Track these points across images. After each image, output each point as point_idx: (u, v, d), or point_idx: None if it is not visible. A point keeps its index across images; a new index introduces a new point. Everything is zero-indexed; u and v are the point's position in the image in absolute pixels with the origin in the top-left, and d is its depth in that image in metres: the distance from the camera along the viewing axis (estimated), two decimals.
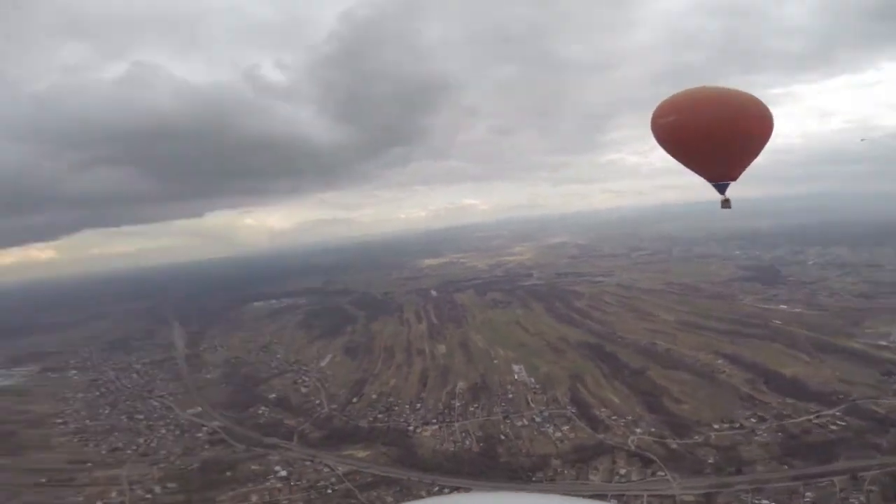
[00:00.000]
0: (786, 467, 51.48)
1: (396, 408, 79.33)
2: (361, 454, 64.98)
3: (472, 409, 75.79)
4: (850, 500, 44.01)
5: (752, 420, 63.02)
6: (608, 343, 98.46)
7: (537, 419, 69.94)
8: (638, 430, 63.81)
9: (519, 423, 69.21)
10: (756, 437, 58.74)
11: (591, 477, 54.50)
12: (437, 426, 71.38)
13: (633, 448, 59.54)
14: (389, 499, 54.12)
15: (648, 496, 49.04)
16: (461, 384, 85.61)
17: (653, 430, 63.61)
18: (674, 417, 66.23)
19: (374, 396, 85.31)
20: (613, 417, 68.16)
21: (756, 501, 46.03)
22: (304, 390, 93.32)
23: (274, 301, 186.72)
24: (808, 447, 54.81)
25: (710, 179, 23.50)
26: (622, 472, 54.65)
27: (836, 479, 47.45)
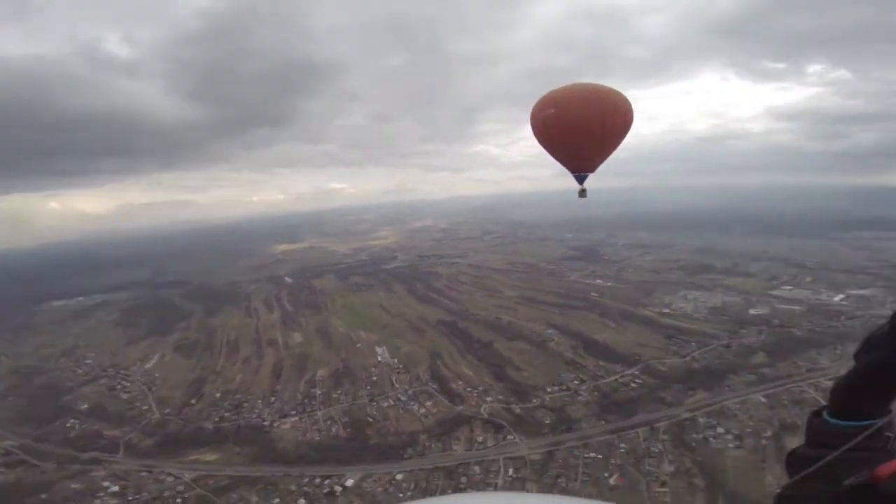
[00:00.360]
0: (603, 423, 61.44)
1: (246, 404, 73.47)
2: (210, 457, 59.17)
3: (335, 395, 74.35)
4: (652, 448, 54.54)
5: (576, 382, 73.19)
6: (461, 320, 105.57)
7: (402, 398, 72.10)
8: (489, 399, 69.94)
9: (385, 404, 70.53)
10: (579, 398, 68.76)
11: (455, 447, 58.66)
12: (297, 417, 68.43)
13: (486, 416, 65.33)
14: (254, 498, 50.81)
15: (503, 459, 54.96)
16: (321, 371, 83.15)
17: (500, 397, 70.35)
18: (516, 385, 73.88)
19: (217, 395, 77.44)
20: (468, 389, 73.51)
21: (585, 455, 54.57)
22: (124, 396, 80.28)
23: (82, 298, 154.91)
24: (618, 404, 65.95)
25: (573, 170, 26.15)
26: (480, 439, 59.88)
27: (639, 430, 58.38)
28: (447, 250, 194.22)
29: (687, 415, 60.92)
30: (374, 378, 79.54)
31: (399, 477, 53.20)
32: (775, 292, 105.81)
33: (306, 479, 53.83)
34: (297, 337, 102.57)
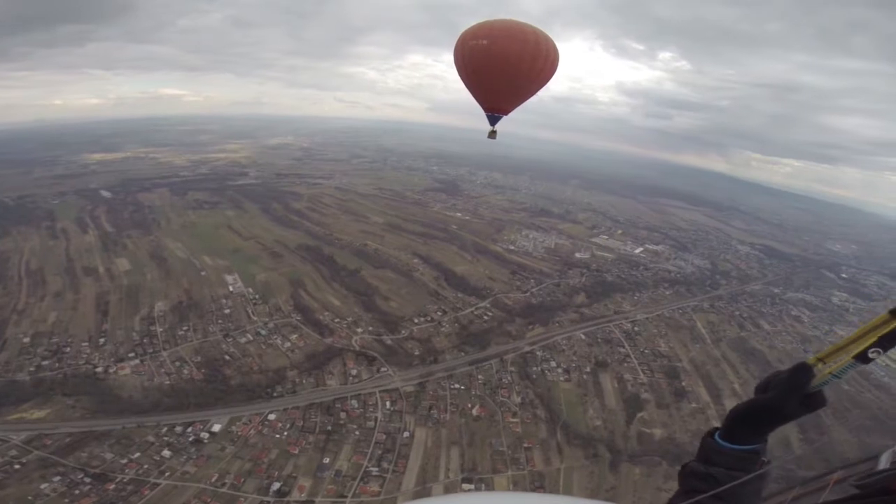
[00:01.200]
0: (463, 354, 68.96)
1: (68, 349, 61.47)
2: (38, 414, 49.68)
3: (181, 332, 66.69)
4: (503, 379, 63.99)
5: (439, 313, 79.21)
6: (326, 245, 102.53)
7: (262, 332, 68.61)
8: (359, 331, 71.34)
9: (243, 340, 66.50)
10: (442, 329, 75.09)
11: (329, 382, 59.91)
12: (137, 360, 60.23)
13: (358, 348, 67.06)
14: (108, 454, 45.10)
15: (379, 392, 58.56)
16: (160, 305, 72.84)
17: (370, 328, 72.42)
18: (385, 315, 76.48)
19: (25, 340, 62.56)
20: (336, 320, 73.57)
21: (451, 386, 61.45)
22: None
23: None
24: (474, 335, 73.82)
25: (488, 109, 26.09)
26: (353, 372, 62.06)
27: (492, 361, 67.40)
28: (309, 170, 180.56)
29: (528, 348, 72.46)
30: (227, 311, 73.27)
31: (272, 417, 52.69)
32: (595, 240, 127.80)
33: (165, 429, 49.79)
34: (124, 264, 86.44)
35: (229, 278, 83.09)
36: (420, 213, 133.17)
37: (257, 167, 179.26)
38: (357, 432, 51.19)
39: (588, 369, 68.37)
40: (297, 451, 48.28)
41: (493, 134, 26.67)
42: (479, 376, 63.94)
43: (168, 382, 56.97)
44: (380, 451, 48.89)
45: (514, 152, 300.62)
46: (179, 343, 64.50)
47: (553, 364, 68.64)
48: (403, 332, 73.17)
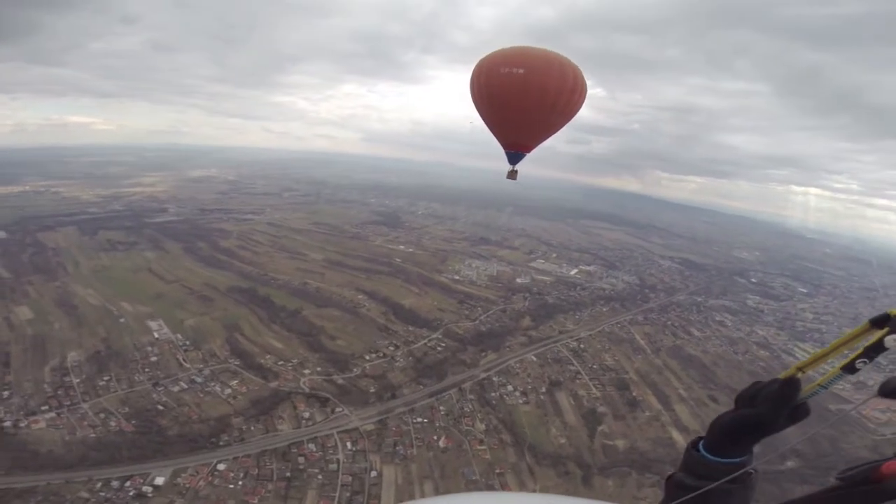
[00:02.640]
0: (421, 387, 67.67)
1: None
2: None
3: (101, 383, 59.59)
4: (465, 408, 63.34)
5: (391, 348, 77.66)
6: (261, 286, 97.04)
7: (198, 379, 63.15)
8: (306, 372, 67.92)
9: (176, 388, 60.56)
10: (396, 363, 73.50)
11: (280, 427, 55.72)
12: (53, 413, 53.09)
13: (307, 390, 63.67)
14: None
15: (338, 433, 55.34)
16: (74, 355, 64.66)
17: (319, 369, 69.04)
18: (333, 354, 73.46)
19: None
20: (280, 363, 69.66)
21: (413, 420, 59.66)
22: None
23: None
24: (430, 367, 73.06)
25: (511, 146, 23.87)
26: (306, 415, 58.38)
27: (451, 392, 66.68)
28: (237, 205, 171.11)
29: (483, 375, 72.69)
30: (154, 359, 66.75)
31: (221, 467, 48.05)
32: (533, 264, 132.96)
33: (99, 483, 44.14)
34: (25, 312, 75.62)
35: (153, 325, 75.66)
36: (361, 247, 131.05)
37: (178, 202, 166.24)
38: (320, 476, 47.75)
39: (544, 390, 69.70)
40: (256, 501, 44.43)
41: (513, 174, 24.42)
42: (441, 407, 62.91)
43: (94, 435, 50.53)
44: (348, 494, 45.86)
45: (449, 182, 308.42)
46: (101, 394, 57.46)
47: (510, 388, 69.26)
48: (355, 370, 70.51)
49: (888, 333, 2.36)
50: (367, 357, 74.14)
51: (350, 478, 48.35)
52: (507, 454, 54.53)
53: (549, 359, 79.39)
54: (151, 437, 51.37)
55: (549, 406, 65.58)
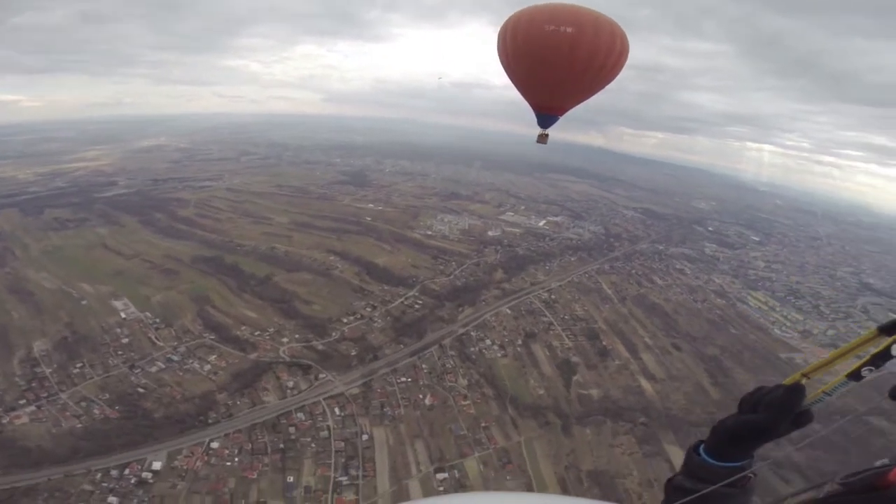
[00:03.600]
0: (402, 346, 68.92)
1: None
2: None
3: (75, 371, 57.52)
4: (446, 365, 65.38)
5: (368, 309, 77.77)
6: (227, 254, 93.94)
7: (175, 358, 62.10)
8: (285, 340, 67.67)
9: (154, 369, 59.41)
10: (375, 324, 73.91)
11: (266, 399, 56.25)
12: (33, 407, 51.29)
13: (288, 359, 63.72)
14: None
15: (324, 400, 56.43)
16: (40, 344, 61.55)
17: (297, 336, 68.79)
18: (310, 320, 72.91)
19: None
20: (257, 333, 68.92)
21: (397, 380, 61.34)
22: None
23: None
24: (409, 326, 74.01)
25: (543, 107, 22.74)
26: (290, 384, 58.93)
27: (432, 349, 68.44)
28: (193, 172, 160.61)
29: (462, 330, 75.00)
30: (125, 340, 64.57)
31: (215, 445, 48.50)
32: (503, 217, 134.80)
33: (99, 475, 43.91)
34: None
35: (118, 304, 72.71)
36: (328, 207, 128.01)
37: (127, 174, 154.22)
38: (313, 445, 49.19)
39: (520, 342, 72.96)
40: (255, 476, 45.38)
41: (544, 138, 23.71)
42: (423, 366, 64.93)
43: (80, 426, 49.67)
44: (343, 459, 47.64)
45: (417, 139, 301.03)
46: (77, 382, 55.76)
47: (488, 342, 72.07)
48: (334, 334, 70.88)
49: None
50: (345, 320, 74.26)
51: (343, 443, 50.04)
52: (490, 408, 57.60)
53: (523, 311, 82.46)
54: (139, 422, 50.87)
55: (526, 358, 69.02)
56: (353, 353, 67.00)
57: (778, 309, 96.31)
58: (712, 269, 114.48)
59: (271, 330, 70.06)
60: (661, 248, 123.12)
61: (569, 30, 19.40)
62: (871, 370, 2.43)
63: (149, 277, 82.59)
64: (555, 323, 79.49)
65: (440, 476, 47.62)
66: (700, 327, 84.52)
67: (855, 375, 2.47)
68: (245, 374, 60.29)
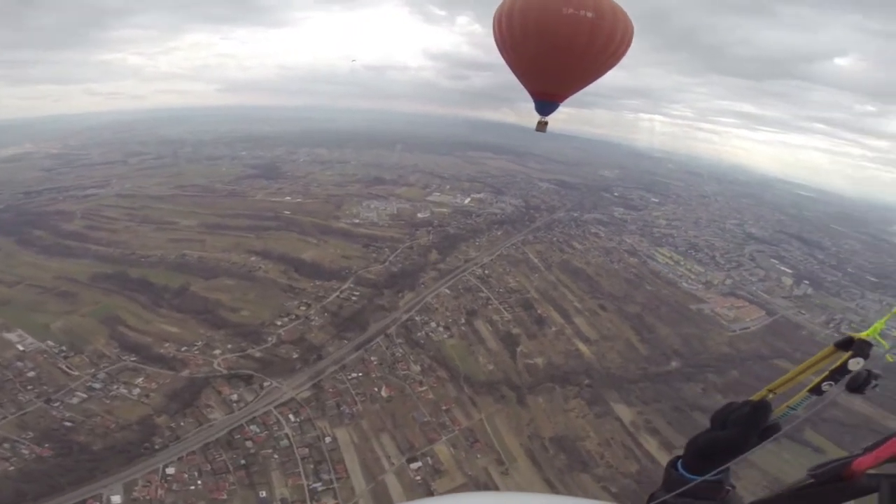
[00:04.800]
0: (346, 341, 68.10)
1: None
2: None
3: None
4: (396, 353, 66.03)
5: (303, 308, 75.30)
6: (131, 267, 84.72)
7: (95, 385, 56.58)
8: (217, 353, 64.21)
9: (75, 400, 53.87)
10: (313, 323, 71.88)
11: (212, 416, 53.48)
12: None
13: (225, 371, 60.78)
14: None
15: (275, 408, 54.85)
16: None
17: (229, 346, 65.38)
18: (240, 327, 69.57)
19: None
20: (184, 349, 64.51)
21: (348, 377, 60.96)
22: None
23: None
24: (349, 319, 72.95)
25: (543, 94, 22.11)
26: (234, 398, 56.43)
27: (378, 339, 68.56)
28: (73, 181, 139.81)
29: (405, 316, 76.02)
30: (31, 374, 57.45)
31: (171, 471, 45.85)
32: (430, 198, 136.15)
33: None
34: None
35: (12, 337, 63.53)
36: (241, 205, 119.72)
37: None
38: (276, 456, 48.05)
39: (463, 320, 75.82)
40: (225, 496, 43.89)
41: (543, 126, 23.10)
42: (372, 358, 65.17)
43: (12, 468, 44.67)
44: (311, 466, 47.19)
45: (332, 125, 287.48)
46: None
47: (433, 325, 73.96)
48: (270, 339, 68.17)
49: (852, 356, 2.54)
50: (279, 323, 71.62)
51: (307, 449, 49.49)
52: (447, 390, 59.84)
53: (461, 289, 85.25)
54: (78, 457, 46.57)
55: (472, 336, 72.13)
56: (295, 355, 65.28)
57: (682, 263, 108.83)
58: (622, 230, 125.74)
59: (199, 343, 65.91)
60: (576, 215, 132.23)
61: (589, 14, 18.67)
62: (830, 385, 2.61)
63: (41, 303, 72.88)
64: (492, 297, 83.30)
65: (414, 466, 49.07)
66: (620, 287, 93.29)
67: (816, 390, 2.67)
68: (181, 393, 56.77)
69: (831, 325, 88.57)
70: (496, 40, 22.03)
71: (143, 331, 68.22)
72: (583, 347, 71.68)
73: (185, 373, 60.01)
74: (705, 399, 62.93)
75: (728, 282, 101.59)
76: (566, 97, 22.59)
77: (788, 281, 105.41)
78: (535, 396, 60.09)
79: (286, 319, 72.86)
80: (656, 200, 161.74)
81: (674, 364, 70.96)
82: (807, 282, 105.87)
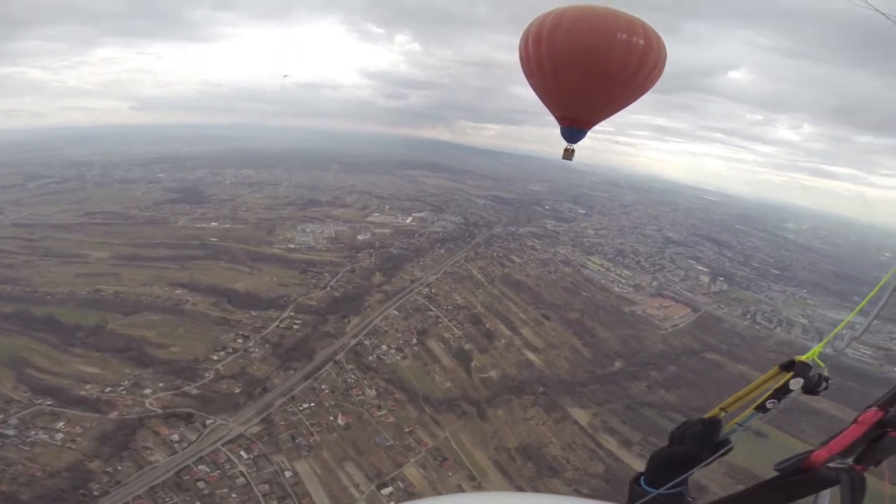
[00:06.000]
0: (292, 371, 66.28)
1: None
2: None
3: None
4: (348, 380, 65.25)
5: (240, 340, 72.42)
6: (35, 306, 76.72)
7: (9, 432, 51.73)
8: (147, 392, 60.32)
9: None
10: (253, 355, 69.28)
11: (153, 458, 50.11)
12: None
13: (160, 411, 57.32)
14: None
15: (223, 445, 52.35)
16: None
17: (161, 384, 61.86)
18: (171, 364, 66.00)
19: None
20: (108, 389, 60.08)
21: (299, 408, 59.41)
22: None
23: None
24: (293, 349, 70.90)
25: (574, 122, 21.41)
26: (175, 437, 53.36)
27: (327, 367, 67.31)
28: None
29: (353, 341, 75.52)
30: None
31: None
32: (369, 219, 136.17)
33: None
34: None
35: None
36: (160, 233, 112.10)
37: None
38: (234, 495, 45.96)
39: (415, 341, 76.73)
40: None
41: (570, 153, 22.10)
42: (323, 386, 64.08)
43: None
44: (275, 502, 45.58)
45: (262, 145, 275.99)
46: None
47: (384, 347, 74.20)
48: (207, 375, 64.97)
49: (793, 377, 2.79)
50: (215, 357, 68.56)
51: (266, 486, 47.74)
52: (408, 411, 60.28)
53: (410, 309, 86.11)
54: None
55: (425, 355, 73.19)
56: (238, 390, 62.65)
57: (612, 269, 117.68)
58: (556, 242, 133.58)
59: (126, 383, 61.63)
60: (512, 229, 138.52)
61: (641, 41, 18.12)
62: (774, 403, 2.82)
63: None
64: (441, 315, 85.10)
65: (385, 491, 48.98)
66: (559, 296, 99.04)
67: (762, 408, 2.87)
68: (112, 436, 53.08)
69: (748, 317, 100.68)
70: (525, 61, 20.72)
71: (57, 373, 62.71)
72: (532, 357, 75.27)
73: (114, 415, 56.07)
74: (651, 395, 68.84)
75: (654, 283, 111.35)
76: (595, 124, 21.79)
77: (706, 279, 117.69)
78: (495, 409, 62.24)
79: (223, 353, 69.86)
80: (583, 212, 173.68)
81: (618, 364, 76.63)
82: (721, 278, 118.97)
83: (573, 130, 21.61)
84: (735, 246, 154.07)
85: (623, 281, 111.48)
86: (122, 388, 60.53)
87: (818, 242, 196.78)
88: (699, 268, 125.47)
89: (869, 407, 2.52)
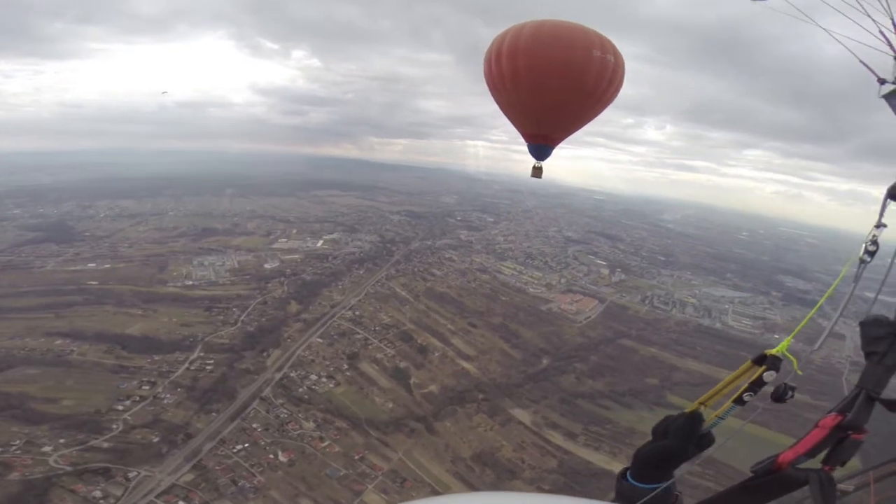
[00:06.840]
0: (214, 414, 62.71)
1: None
2: None
3: None
4: (280, 414, 63.09)
5: (146, 387, 67.10)
6: None
7: None
8: (47, 449, 54.42)
9: None
10: (164, 401, 64.65)
11: None
12: None
13: (70, 469, 52.20)
14: None
15: (157, 498, 48.87)
16: None
17: (62, 440, 56.10)
18: (69, 418, 60.08)
19: None
20: None
21: (232, 450, 56.64)
22: None
23: None
24: (210, 391, 67.16)
25: (543, 138, 21.45)
26: (97, 494, 49.03)
27: (254, 405, 64.72)
28: None
29: (278, 375, 73.26)
30: None
31: None
32: (276, 245, 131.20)
33: None
34: None
35: None
36: (25, 279, 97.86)
37: None
38: None
39: (346, 366, 76.35)
40: None
41: (539, 171, 22.30)
42: (255, 425, 61.56)
43: None
44: None
45: (138, 171, 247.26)
46: None
47: (314, 377, 72.87)
48: (115, 426, 59.68)
49: (766, 370, 2.99)
50: (120, 407, 63.14)
51: None
52: (353, 438, 59.88)
53: (335, 335, 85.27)
54: None
55: (360, 379, 73.12)
56: (156, 439, 58.38)
57: (524, 272, 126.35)
58: (471, 251, 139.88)
59: (18, 442, 55.22)
60: (429, 243, 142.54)
61: (611, 58, 18.48)
62: (750, 395, 3.04)
63: None
64: (370, 337, 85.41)
65: None
66: (481, 302, 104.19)
67: (739, 400, 3.07)
68: (19, 498, 48.08)
69: (646, 302, 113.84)
70: (491, 77, 20.41)
71: None
72: (467, 365, 78.65)
73: (14, 476, 50.55)
74: (581, 386, 75.35)
75: (563, 281, 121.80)
76: (561, 141, 22.16)
77: (606, 272, 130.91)
78: (442, 422, 64.22)
79: (128, 402, 64.43)
80: (492, 220, 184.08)
81: (545, 361, 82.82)
82: (619, 269, 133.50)
83: (541, 147, 21.82)
84: (625, 239, 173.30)
85: (535, 282, 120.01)
86: (14, 447, 54.30)
87: (692, 229, 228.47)
88: (599, 262, 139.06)
89: (829, 412, 2.74)
